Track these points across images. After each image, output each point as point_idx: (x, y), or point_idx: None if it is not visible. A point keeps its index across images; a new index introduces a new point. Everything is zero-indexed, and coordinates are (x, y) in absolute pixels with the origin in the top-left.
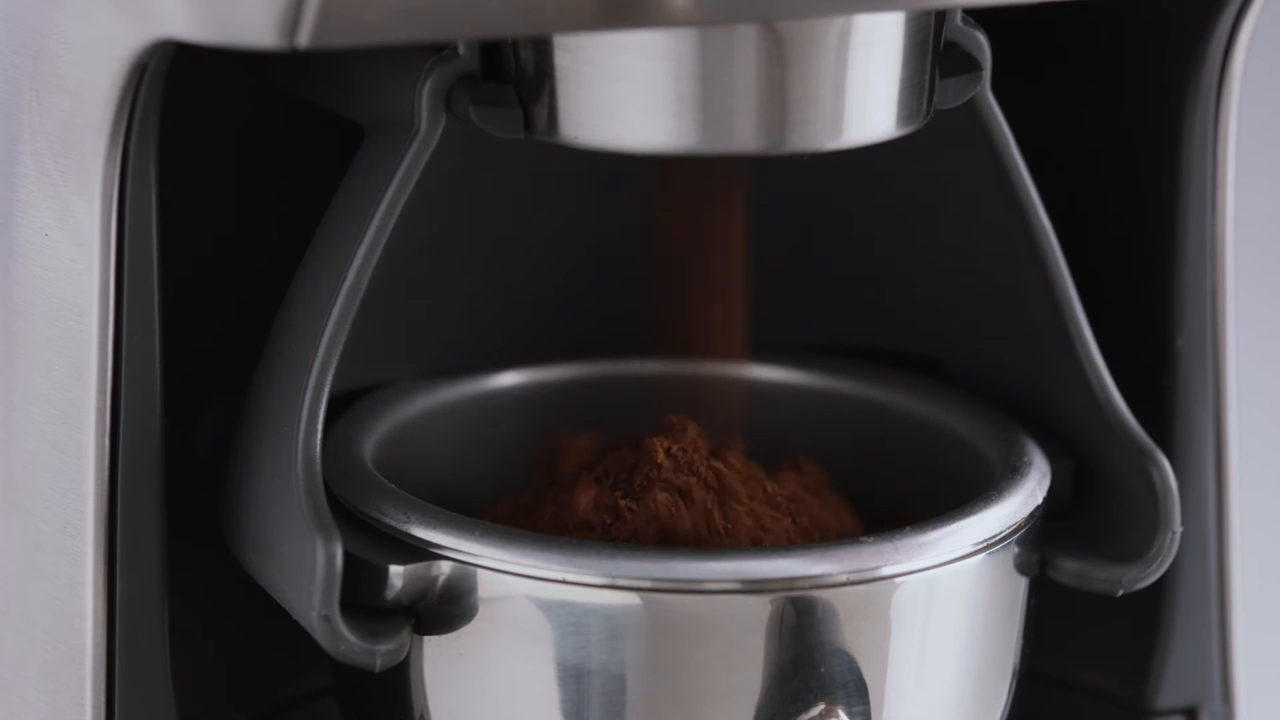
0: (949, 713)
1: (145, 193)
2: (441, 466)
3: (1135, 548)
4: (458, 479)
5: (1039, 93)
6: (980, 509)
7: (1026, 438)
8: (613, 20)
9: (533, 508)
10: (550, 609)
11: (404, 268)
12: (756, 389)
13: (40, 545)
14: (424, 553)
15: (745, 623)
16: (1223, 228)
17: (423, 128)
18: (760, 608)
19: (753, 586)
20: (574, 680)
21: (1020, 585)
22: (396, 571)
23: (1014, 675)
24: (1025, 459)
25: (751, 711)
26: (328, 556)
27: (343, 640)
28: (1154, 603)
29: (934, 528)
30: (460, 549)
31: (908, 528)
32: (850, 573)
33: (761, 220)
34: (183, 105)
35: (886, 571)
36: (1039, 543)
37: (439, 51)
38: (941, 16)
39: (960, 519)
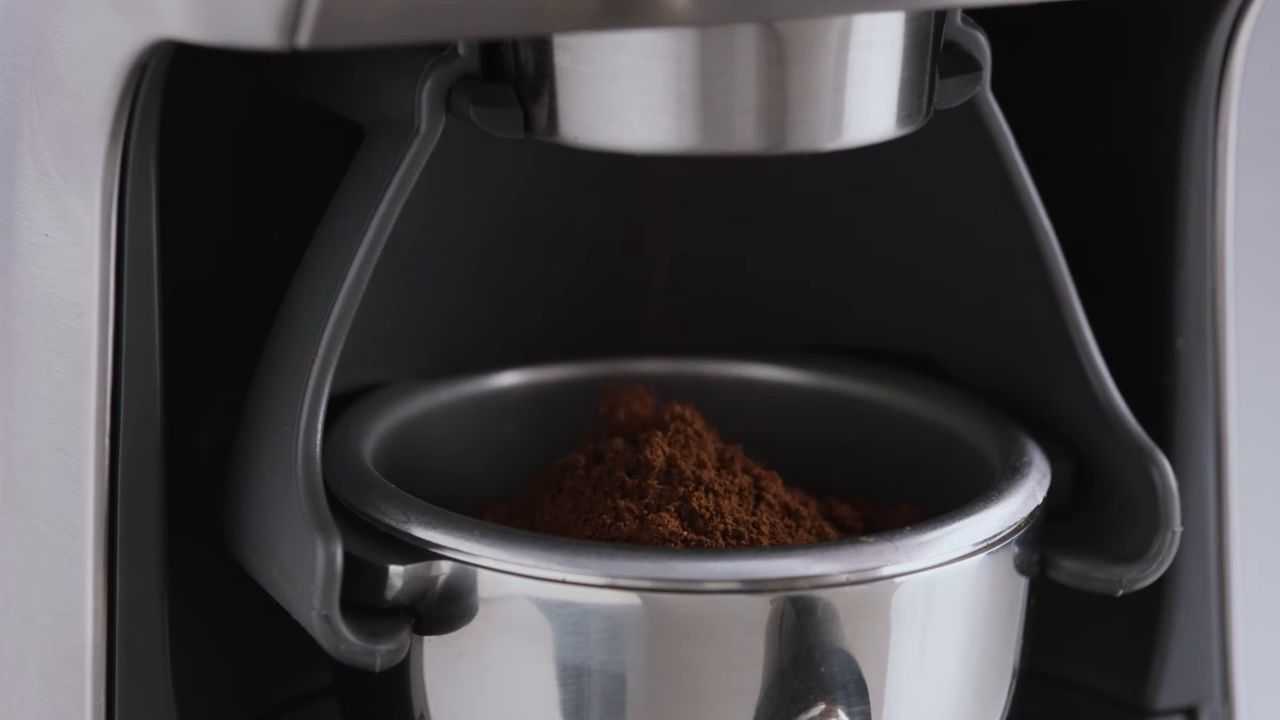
0: (949, 713)
1: (145, 193)
2: (441, 466)
3: (1135, 548)
4: (458, 479)
5: (1039, 93)
6: (980, 509)
7: (1026, 438)
8: (613, 20)
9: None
10: (550, 609)
11: (404, 268)
12: (756, 389)
13: (40, 545)
14: (424, 553)
15: (745, 623)
16: (1223, 228)
17: (423, 128)
18: (760, 608)
19: (753, 586)
20: (574, 680)
21: (1020, 585)
22: (396, 571)
23: (1014, 675)
24: (1025, 459)
25: (751, 711)
26: (328, 556)
27: (343, 640)
28: (1154, 603)
29: (934, 528)
30: (460, 549)
31: (908, 528)
32: (850, 573)
33: (762, 220)
34: (183, 105)
35: (886, 571)
36: (1039, 543)
37: (439, 51)
38: (941, 16)
39: (960, 519)
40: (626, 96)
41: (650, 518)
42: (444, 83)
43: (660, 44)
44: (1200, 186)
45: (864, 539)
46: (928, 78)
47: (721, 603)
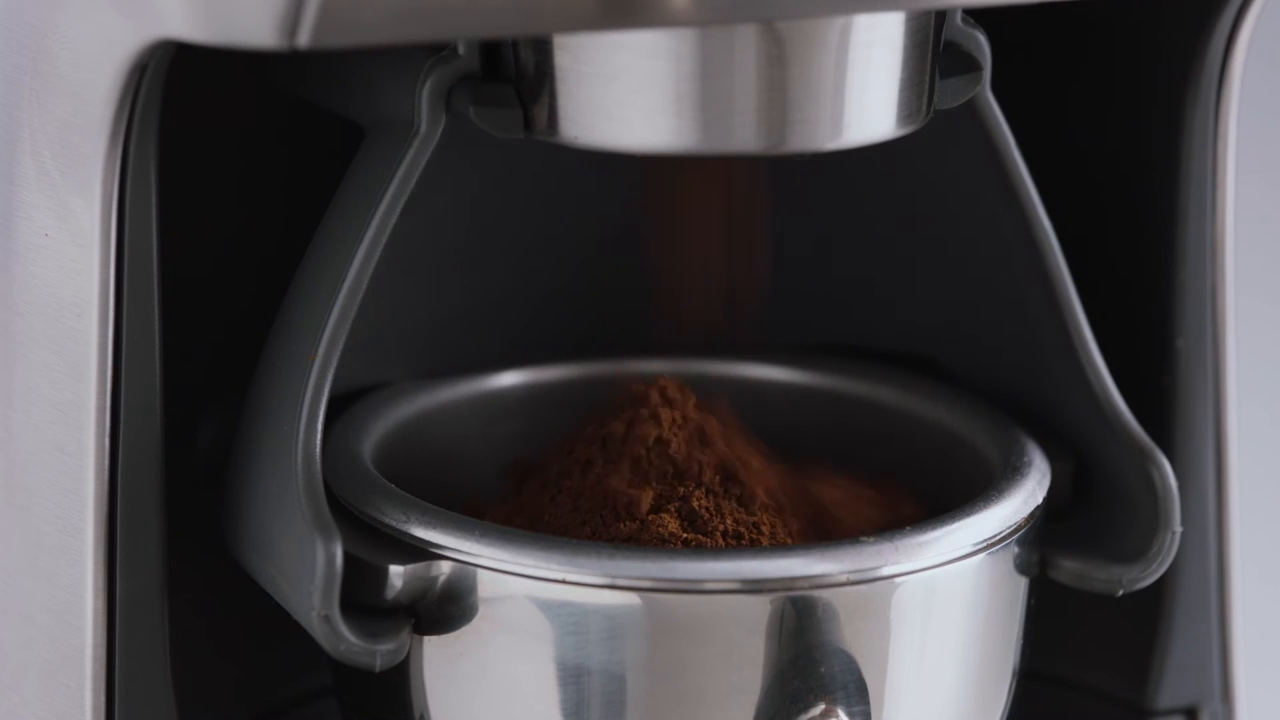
0: (949, 713)
1: (145, 193)
2: (441, 466)
3: (1135, 548)
4: (458, 479)
5: (1039, 93)
6: (980, 509)
7: (1026, 438)
8: (613, 20)
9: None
10: (550, 609)
11: (403, 268)
12: (756, 389)
13: (40, 545)
14: (424, 553)
15: (745, 623)
16: (1223, 228)
17: (423, 128)
18: (760, 608)
19: (753, 586)
20: (574, 680)
21: (1020, 585)
22: (396, 571)
23: (1014, 675)
24: (1025, 459)
25: (751, 711)
26: (328, 556)
27: (343, 640)
28: (1154, 603)
29: (934, 528)
30: (460, 549)
31: (908, 528)
32: (850, 572)
33: (762, 220)
34: (183, 105)
35: (886, 571)
36: (1039, 543)
37: (439, 51)
38: (941, 16)
39: (960, 519)
40: (626, 96)
41: (650, 518)
42: (444, 83)
43: (660, 44)
44: (1200, 186)
45: (864, 539)
46: (928, 78)
47: (721, 603)
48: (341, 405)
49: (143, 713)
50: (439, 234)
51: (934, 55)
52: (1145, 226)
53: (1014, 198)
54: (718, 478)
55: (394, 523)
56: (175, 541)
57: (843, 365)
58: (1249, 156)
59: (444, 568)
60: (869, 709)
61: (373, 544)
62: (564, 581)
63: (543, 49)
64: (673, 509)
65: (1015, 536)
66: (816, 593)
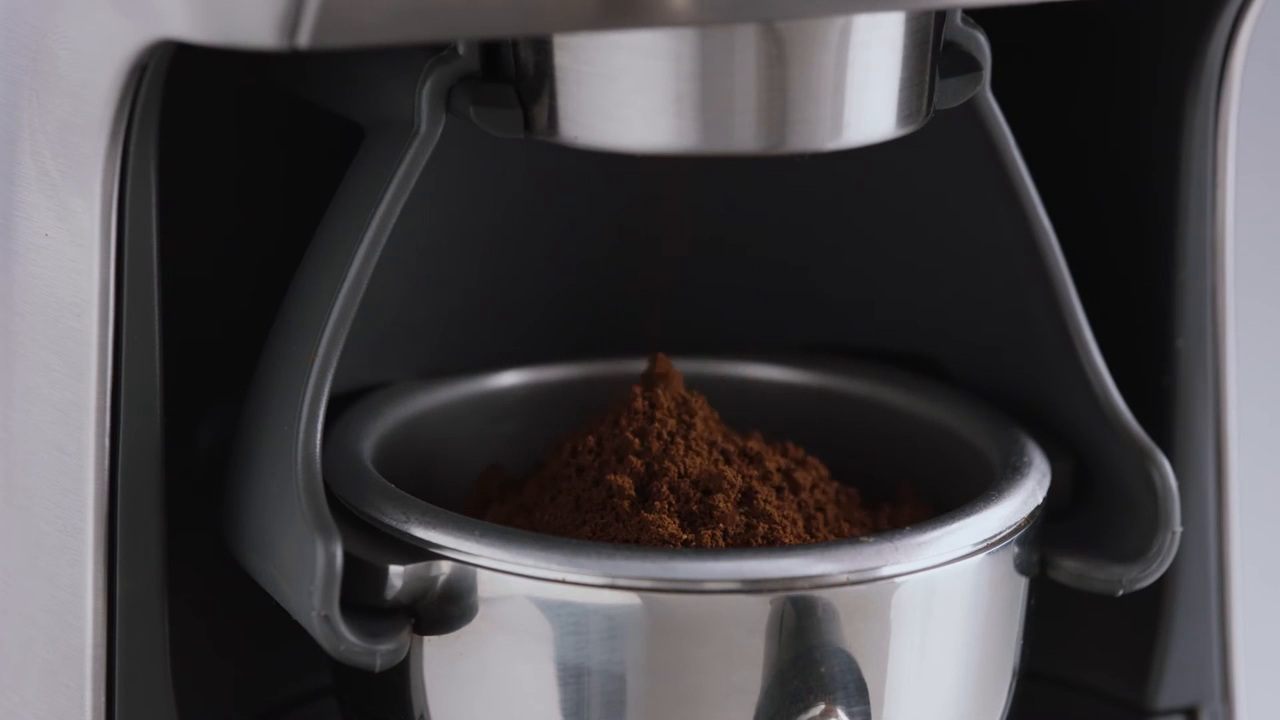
0: (949, 713)
1: (145, 193)
2: (441, 466)
3: (1135, 548)
4: (458, 479)
5: (1039, 93)
6: (980, 509)
7: (1026, 438)
8: (613, 20)
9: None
10: (550, 609)
11: (404, 268)
12: (756, 389)
13: (40, 545)
14: (424, 553)
15: (745, 623)
16: (1223, 228)
17: (423, 128)
18: (760, 608)
19: (753, 586)
20: (574, 680)
21: (1020, 585)
22: (396, 571)
23: (1014, 675)
24: (1025, 459)
25: (751, 711)
26: (328, 556)
27: (343, 640)
28: (1154, 603)
29: (934, 528)
30: (460, 549)
31: (908, 528)
32: (850, 573)
33: (762, 221)
34: (183, 105)
35: (886, 571)
36: (1039, 543)
37: (439, 51)
38: (941, 16)
39: (960, 519)
40: (626, 96)
41: (650, 518)
42: (444, 83)
43: (660, 44)
44: (1200, 186)
45: (864, 539)
46: (928, 78)
47: (721, 603)
48: (341, 405)
49: (143, 713)
50: (439, 234)
51: (934, 55)
52: (1145, 226)
53: (1014, 198)
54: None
55: (394, 523)
56: (175, 541)
57: (843, 365)
58: (1249, 156)
59: (444, 568)
60: (869, 709)
61: (373, 544)
62: (564, 581)
63: (543, 49)
64: (673, 509)
65: (1015, 536)
66: (816, 593)
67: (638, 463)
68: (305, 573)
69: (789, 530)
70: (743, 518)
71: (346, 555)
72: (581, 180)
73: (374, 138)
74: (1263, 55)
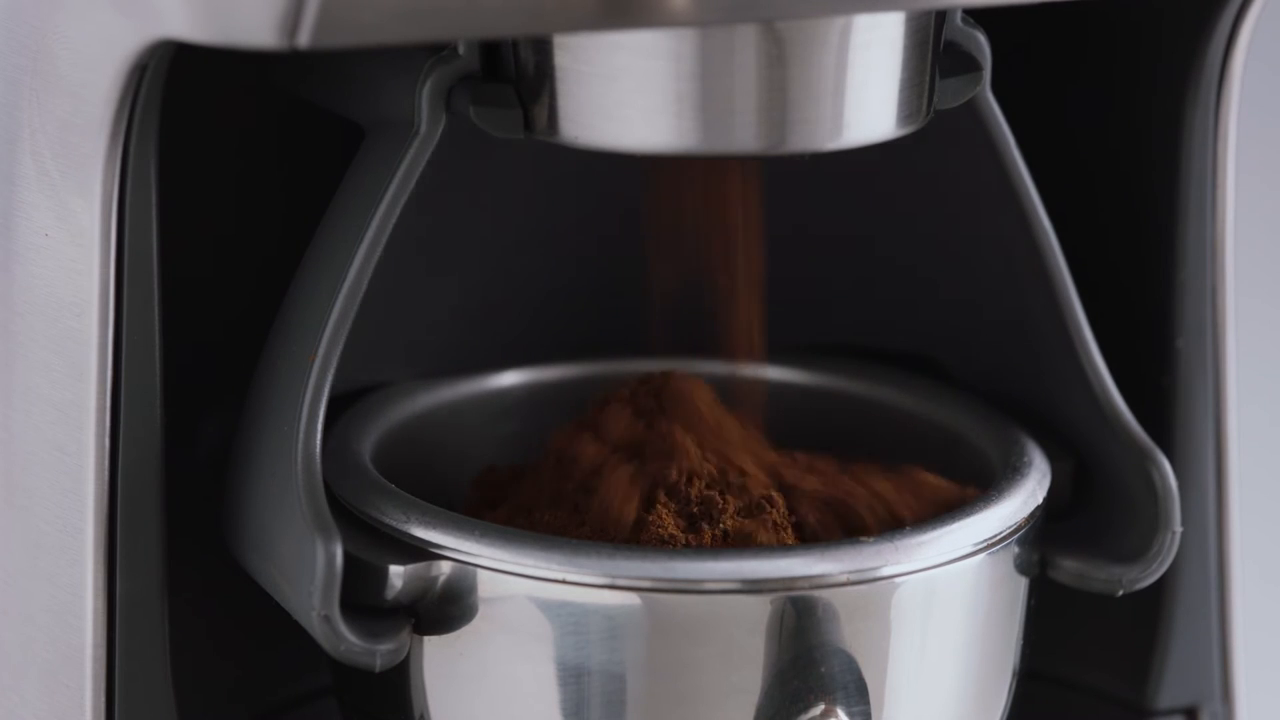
0: (949, 713)
1: (145, 193)
2: (442, 466)
3: (1135, 548)
4: (458, 479)
5: (1039, 93)
6: (980, 509)
7: (1026, 438)
8: (613, 20)
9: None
10: (550, 609)
11: (404, 267)
12: (757, 389)
13: (40, 545)
14: (424, 553)
15: (745, 623)
16: (1223, 228)
17: (423, 128)
18: (760, 608)
19: (753, 586)
20: (574, 680)
21: (1020, 585)
22: (396, 571)
23: (1014, 675)
24: (1025, 459)
25: (751, 711)
26: (328, 556)
27: (343, 640)
28: (1154, 603)
29: (934, 528)
30: (460, 549)
31: (908, 528)
32: (850, 573)
33: (762, 221)
34: (183, 105)
35: (886, 571)
36: (1039, 543)
37: (439, 51)
38: (941, 16)
39: (960, 519)
40: (626, 96)
41: (650, 519)
42: (444, 83)
43: (660, 44)
44: (1200, 186)
45: (864, 539)
46: (928, 78)
47: (721, 603)
48: (341, 405)
49: (143, 713)
50: (439, 234)
51: (934, 55)
52: (1145, 226)
53: (1014, 198)
54: (719, 470)
55: (394, 523)
56: (175, 541)
57: (843, 365)
58: (1249, 156)
59: (444, 568)
60: (869, 709)
61: (373, 544)
62: (564, 581)
63: (543, 49)
64: (672, 509)
65: (1015, 536)
66: (816, 593)
67: (638, 463)
68: (305, 573)
69: (789, 530)
70: (743, 518)
71: (346, 555)
72: (581, 180)
73: (374, 138)
74: (1263, 55)
